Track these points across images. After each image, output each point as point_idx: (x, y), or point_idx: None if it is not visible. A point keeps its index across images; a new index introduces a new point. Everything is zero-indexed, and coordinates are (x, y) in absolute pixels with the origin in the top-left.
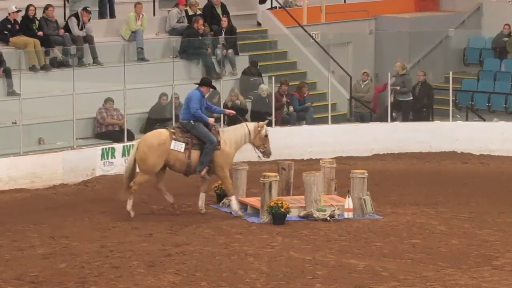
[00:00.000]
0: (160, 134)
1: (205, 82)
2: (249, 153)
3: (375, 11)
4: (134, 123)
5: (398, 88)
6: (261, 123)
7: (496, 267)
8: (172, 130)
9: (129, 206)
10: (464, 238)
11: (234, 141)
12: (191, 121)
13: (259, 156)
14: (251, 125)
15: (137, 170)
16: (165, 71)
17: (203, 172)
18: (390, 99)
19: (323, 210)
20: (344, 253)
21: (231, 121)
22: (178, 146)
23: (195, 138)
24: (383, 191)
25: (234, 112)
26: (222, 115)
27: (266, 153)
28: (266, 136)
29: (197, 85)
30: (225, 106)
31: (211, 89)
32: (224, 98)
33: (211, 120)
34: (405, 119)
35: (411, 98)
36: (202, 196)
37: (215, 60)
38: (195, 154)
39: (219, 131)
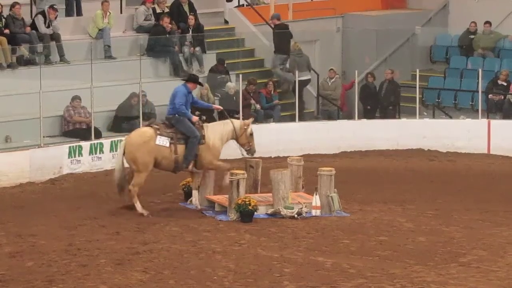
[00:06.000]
0: (144, 131)
1: (192, 79)
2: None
3: (342, 9)
4: (102, 121)
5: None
6: (246, 121)
7: (462, 264)
8: (156, 126)
9: (139, 208)
10: (431, 235)
11: (220, 135)
12: (176, 115)
13: (242, 154)
14: (237, 122)
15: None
16: (132, 69)
17: (190, 167)
18: (356, 95)
19: (291, 208)
20: (312, 251)
21: (219, 116)
22: (163, 141)
23: (179, 132)
24: (351, 189)
25: (221, 108)
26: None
27: (251, 151)
28: (251, 134)
29: (184, 81)
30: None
31: (197, 86)
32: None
33: (195, 118)
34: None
35: (306, 78)
36: (195, 193)
37: (182, 58)
38: (181, 148)
39: (202, 125)
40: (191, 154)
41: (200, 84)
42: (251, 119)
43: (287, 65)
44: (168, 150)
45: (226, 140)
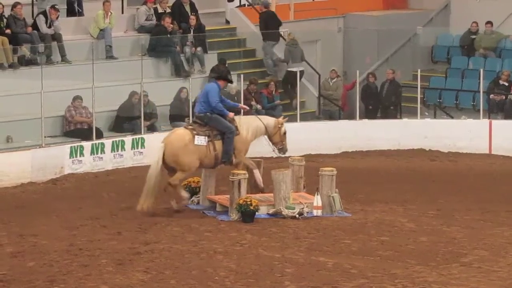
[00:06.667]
0: (181, 134)
1: (223, 76)
2: None
3: (344, 9)
4: (103, 121)
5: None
6: (280, 120)
7: (464, 264)
8: (190, 127)
9: (185, 194)
10: (432, 235)
11: (252, 130)
12: (208, 113)
13: (273, 151)
14: (271, 120)
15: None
16: (134, 69)
17: (234, 161)
18: (358, 95)
19: (292, 208)
20: (313, 251)
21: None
22: (201, 141)
23: (214, 129)
24: (352, 189)
25: (248, 108)
26: None
27: (283, 150)
28: (285, 133)
29: (214, 78)
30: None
31: (227, 83)
32: (193, 95)
33: (231, 115)
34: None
35: (300, 69)
36: (256, 173)
37: (184, 58)
38: (219, 144)
39: (234, 118)
40: (231, 148)
41: (230, 81)
42: (285, 118)
43: (281, 56)
44: (208, 148)
45: (259, 136)
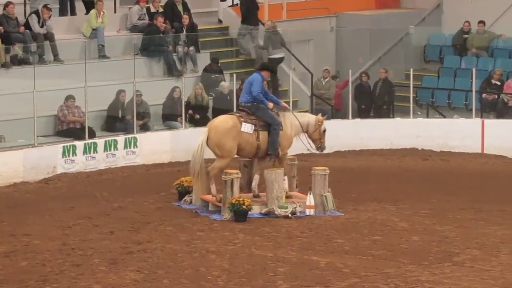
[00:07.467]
0: (229, 118)
1: (265, 67)
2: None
3: (336, 9)
4: (95, 120)
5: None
6: (320, 117)
7: (456, 263)
8: (237, 114)
9: (213, 191)
10: (425, 235)
11: (295, 127)
12: (254, 102)
13: (308, 149)
14: (312, 118)
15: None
16: (126, 68)
17: (280, 152)
18: (350, 94)
19: (285, 207)
20: (306, 250)
21: None
22: (248, 128)
23: (260, 119)
24: (344, 188)
25: (289, 108)
26: None
27: (321, 147)
28: (324, 131)
29: (258, 70)
30: (188, 104)
31: (271, 73)
32: (185, 95)
33: (270, 105)
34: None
35: (280, 55)
36: (256, 178)
37: (176, 57)
38: (263, 135)
39: (278, 112)
40: (277, 141)
41: (274, 71)
42: (325, 116)
43: (258, 41)
44: (252, 136)
45: (298, 133)
